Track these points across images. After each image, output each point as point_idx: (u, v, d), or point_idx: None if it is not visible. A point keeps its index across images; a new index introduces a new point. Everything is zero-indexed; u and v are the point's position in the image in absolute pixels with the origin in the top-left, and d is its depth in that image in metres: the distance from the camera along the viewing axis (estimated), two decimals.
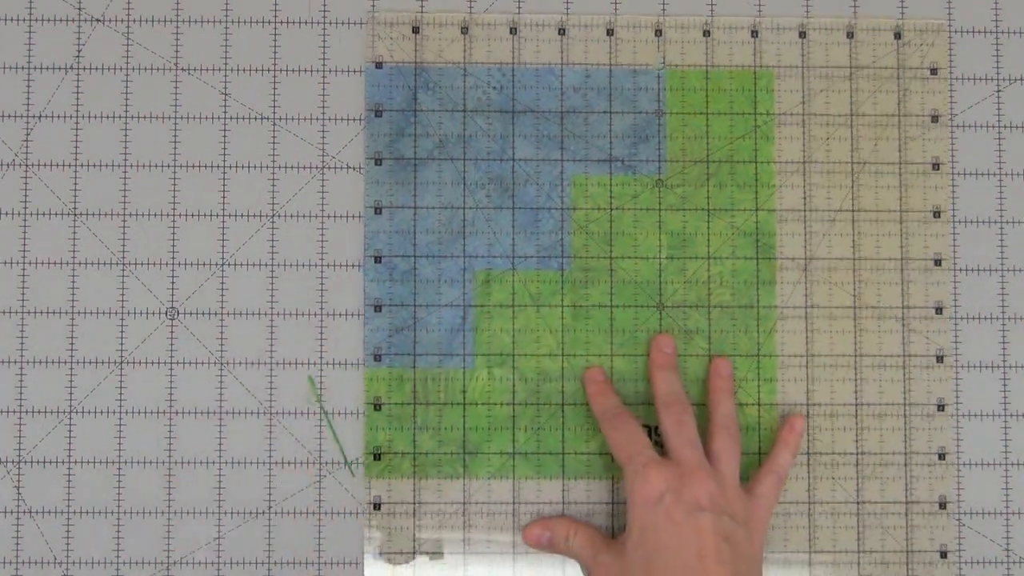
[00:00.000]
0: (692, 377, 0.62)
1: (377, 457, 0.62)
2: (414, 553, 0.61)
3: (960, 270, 0.63)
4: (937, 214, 0.63)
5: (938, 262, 0.63)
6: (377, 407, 0.62)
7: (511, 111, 0.63)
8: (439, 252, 0.62)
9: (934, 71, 0.64)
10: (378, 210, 0.62)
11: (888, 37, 0.64)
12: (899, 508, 0.62)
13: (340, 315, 0.62)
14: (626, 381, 0.62)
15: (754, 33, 0.64)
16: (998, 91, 0.64)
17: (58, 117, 0.63)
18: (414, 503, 0.62)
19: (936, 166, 0.64)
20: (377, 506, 0.61)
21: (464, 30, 0.63)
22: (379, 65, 0.63)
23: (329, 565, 0.61)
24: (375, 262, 0.62)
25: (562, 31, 0.63)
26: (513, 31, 0.63)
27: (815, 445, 0.62)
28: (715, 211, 0.63)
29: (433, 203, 0.63)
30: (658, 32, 0.64)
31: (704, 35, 0.64)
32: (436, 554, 0.61)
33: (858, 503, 0.62)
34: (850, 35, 0.64)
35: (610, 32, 0.64)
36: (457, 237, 0.62)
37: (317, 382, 0.62)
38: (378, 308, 0.62)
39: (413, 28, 0.63)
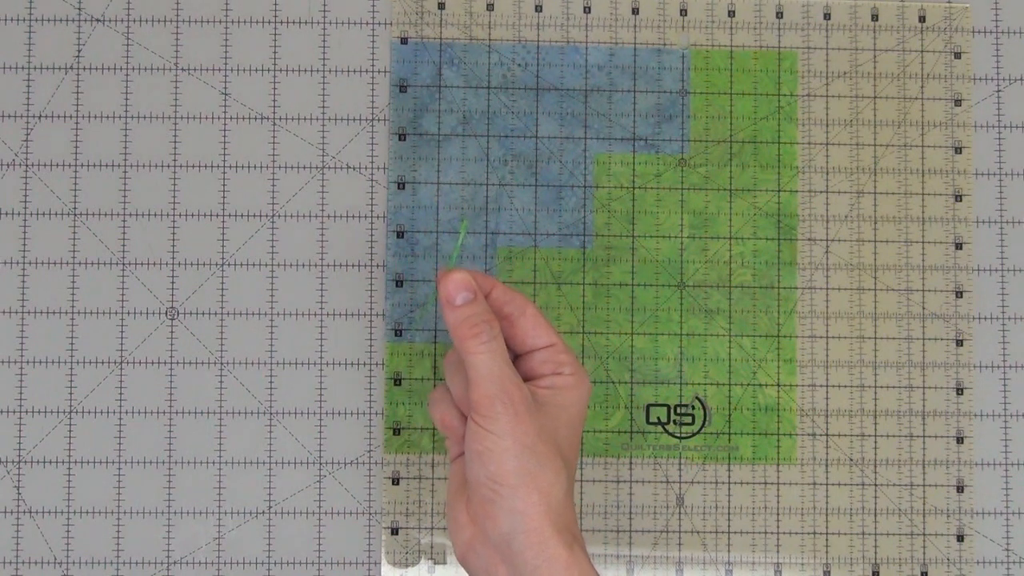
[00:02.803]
0: (713, 356, 0.62)
1: (396, 432, 0.62)
2: (432, 528, 0.61)
3: (980, 257, 0.63)
4: (959, 197, 0.63)
5: (959, 246, 0.63)
6: (397, 382, 0.62)
7: (535, 88, 0.63)
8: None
9: (958, 55, 0.64)
10: (401, 185, 0.62)
11: (913, 20, 0.64)
12: (917, 492, 0.62)
13: (340, 315, 0.62)
14: (646, 359, 0.62)
15: (779, 14, 0.64)
16: (998, 91, 0.64)
17: (58, 117, 0.62)
18: (432, 478, 0.62)
19: (959, 150, 0.64)
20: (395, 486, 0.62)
21: (490, 7, 0.63)
22: (404, 41, 0.63)
23: (329, 565, 0.61)
24: (397, 237, 0.62)
25: (587, 9, 0.63)
26: (538, 8, 0.63)
27: (833, 427, 0.63)
28: (737, 191, 0.63)
29: (456, 179, 0.63)
30: (683, 11, 0.64)
31: (729, 15, 0.64)
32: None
33: (876, 485, 0.62)
34: (875, 17, 0.64)
35: (635, 11, 0.64)
36: (480, 213, 0.62)
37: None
38: (399, 283, 0.62)
39: (439, 4, 0.63)
